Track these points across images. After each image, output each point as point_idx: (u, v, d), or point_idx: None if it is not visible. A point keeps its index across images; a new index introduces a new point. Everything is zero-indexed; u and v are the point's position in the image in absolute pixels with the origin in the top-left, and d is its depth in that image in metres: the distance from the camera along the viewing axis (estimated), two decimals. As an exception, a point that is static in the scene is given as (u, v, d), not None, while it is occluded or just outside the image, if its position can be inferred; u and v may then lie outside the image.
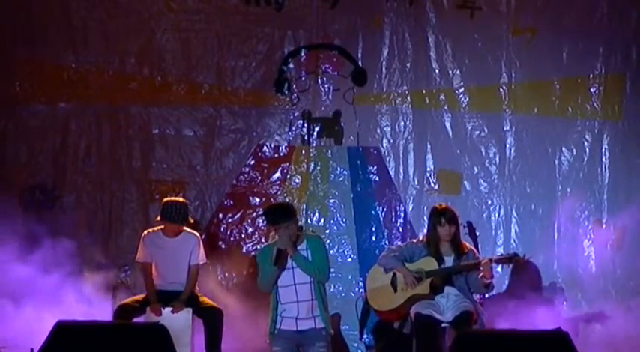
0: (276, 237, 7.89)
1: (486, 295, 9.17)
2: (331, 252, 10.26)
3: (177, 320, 9.00)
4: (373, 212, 10.80)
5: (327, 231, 10.64)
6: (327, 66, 10.86)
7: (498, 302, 9.80)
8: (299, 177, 10.84)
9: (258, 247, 10.57)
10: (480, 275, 8.52)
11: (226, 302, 9.66)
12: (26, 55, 10.76)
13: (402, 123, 10.84)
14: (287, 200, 10.55)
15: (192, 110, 10.81)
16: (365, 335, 10.15)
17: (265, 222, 8.19)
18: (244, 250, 10.74)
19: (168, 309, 9.13)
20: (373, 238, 10.76)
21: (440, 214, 8.65)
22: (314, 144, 10.86)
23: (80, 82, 10.77)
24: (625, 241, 10.66)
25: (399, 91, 10.84)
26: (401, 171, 10.82)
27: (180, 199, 9.41)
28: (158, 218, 9.25)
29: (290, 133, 10.86)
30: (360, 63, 10.84)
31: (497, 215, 10.72)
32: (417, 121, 10.82)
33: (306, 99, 10.87)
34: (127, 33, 10.77)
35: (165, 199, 9.36)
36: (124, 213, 10.71)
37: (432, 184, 10.80)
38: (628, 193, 10.61)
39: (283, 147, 10.88)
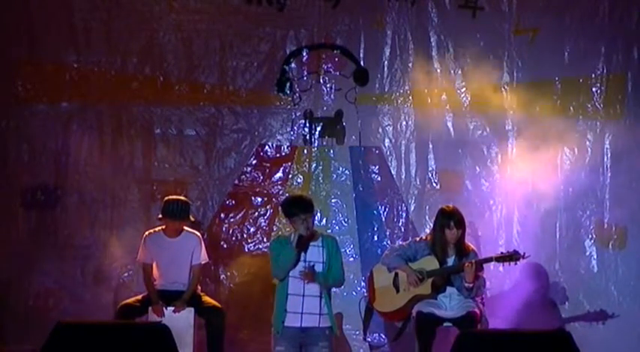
0: (292, 229, 7.91)
1: (488, 294, 9.17)
2: (333, 251, 10.26)
3: (179, 320, 9.00)
4: (375, 212, 10.79)
5: (329, 231, 10.59)
6: (329, 65, 10.85)
7: (500, 301, 9.80)
8: (301, 176, 10.83)
9: (260, 247, 10.61)
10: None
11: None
12: (28, 54, 10.74)
13: (404, 122, 10.83)
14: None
15: (194, 110, 10.79)
16: (368, 336, 10.14)
17: (283, 213, 8.16)
18: (246, 250, 10.73)
19: (170, 309, 9.13)
20: (375, 238, 10.75)
21: (449, 217, 8.59)
22: (316, 144, 10.85)
23: (82, 82, 10.74)
24: (627, 241, 10.65)
25: (401, 91, 10.82)
26: (403, 170, 10.80)
27: (182, 197, 9.46)
28: (160, 216, 9.28)
29: (292, 133, 10.85)
30: (361, 62, 10.83)
31: (499, 214, 10.70)
32: (419, 121, 10.81)
33: (308, 99, 10.86)
34: (128, 32, 10.76)
35: (166, 197, 9.39)
36: (125, 212, 10.70)
37: (434, 184, 10.78)
38: (630, 192, 10.60)
39: (285, 147, 10.87)
